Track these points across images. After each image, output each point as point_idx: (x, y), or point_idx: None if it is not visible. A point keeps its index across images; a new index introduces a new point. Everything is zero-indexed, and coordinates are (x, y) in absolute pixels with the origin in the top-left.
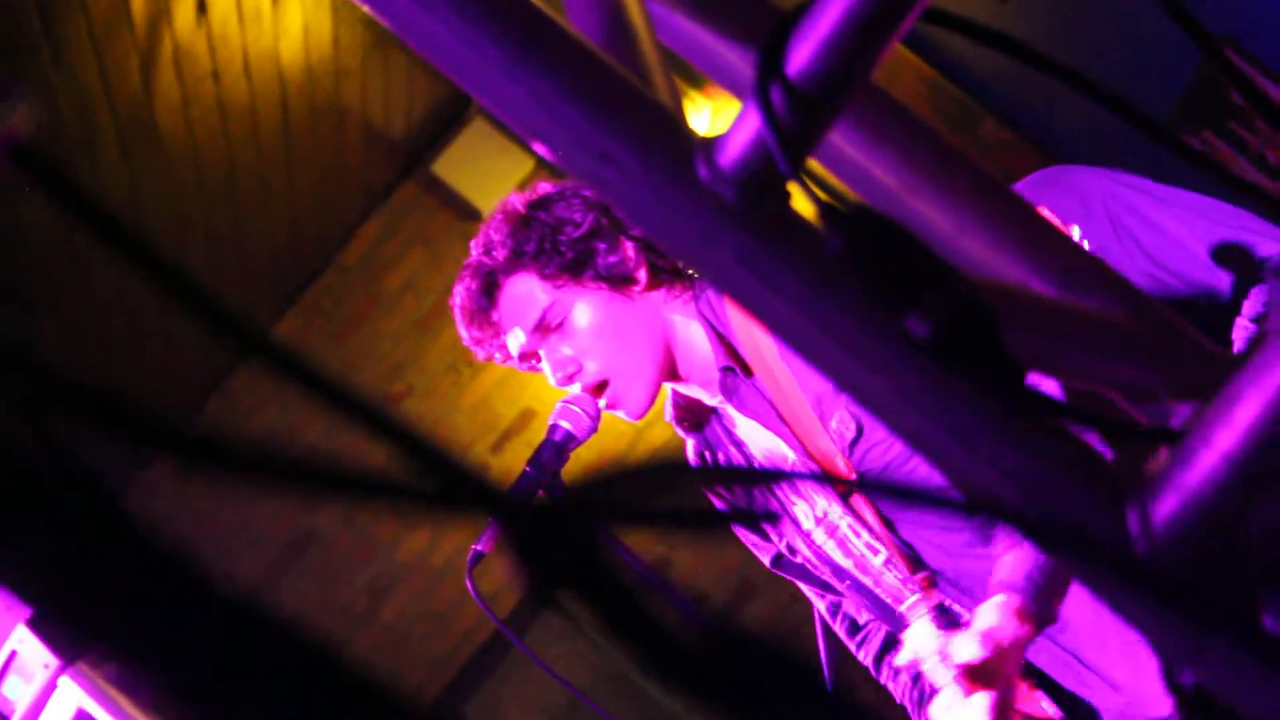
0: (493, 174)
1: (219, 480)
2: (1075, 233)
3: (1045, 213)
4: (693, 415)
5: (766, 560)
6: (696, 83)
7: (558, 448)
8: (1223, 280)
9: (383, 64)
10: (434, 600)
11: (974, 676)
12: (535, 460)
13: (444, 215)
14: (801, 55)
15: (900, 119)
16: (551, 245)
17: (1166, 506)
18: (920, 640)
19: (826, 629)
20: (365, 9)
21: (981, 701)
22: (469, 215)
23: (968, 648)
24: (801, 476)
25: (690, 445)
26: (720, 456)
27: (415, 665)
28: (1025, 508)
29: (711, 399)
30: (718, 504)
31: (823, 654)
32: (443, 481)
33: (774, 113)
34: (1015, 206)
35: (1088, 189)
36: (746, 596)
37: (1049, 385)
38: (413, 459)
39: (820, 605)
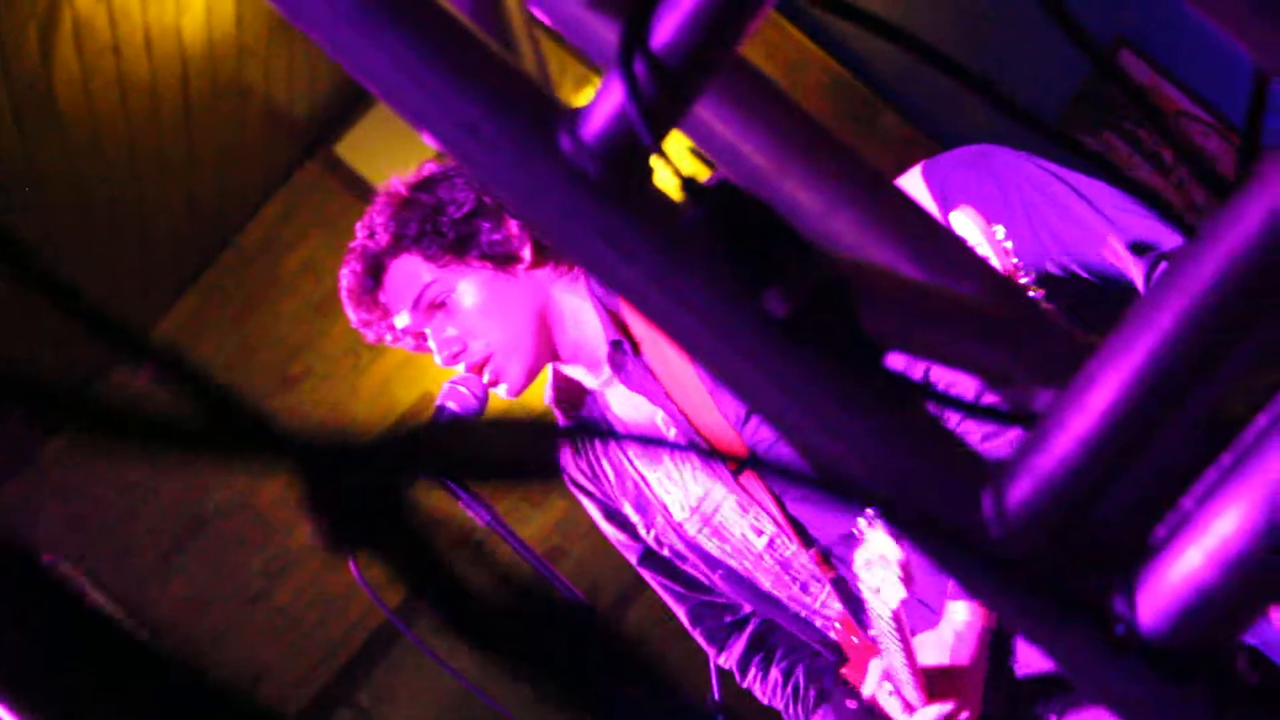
0: (395, 157)
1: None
2: (1000, 232)
3: (969, 213)
4: (571, 397)
5: (633, 558)
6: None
7: None
8: (1133, 271)
9: (287, 43)
10: (328, 585)
11: (936, 684)
12: None
13: (345, 197)
14: (666, 27)
15: (772, 98)
16: (433, 226)
17: (1020, 490)
18: (881, 544)
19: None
20: None
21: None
22: (370, 198)
23: (933, 651)
24: (677, 447)
25: (574, 423)
26: (593, 441)
27: (308, 649)
28: (882, 488)
29: (593, 380)
30: (585, 500)
31: (713, 673)
32: (234, 425)
33: (637, 85)
34: (883, 189)
35: (1004, 174)
36: (641, 586)
37: (915, 369)
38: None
39: (680, 612)
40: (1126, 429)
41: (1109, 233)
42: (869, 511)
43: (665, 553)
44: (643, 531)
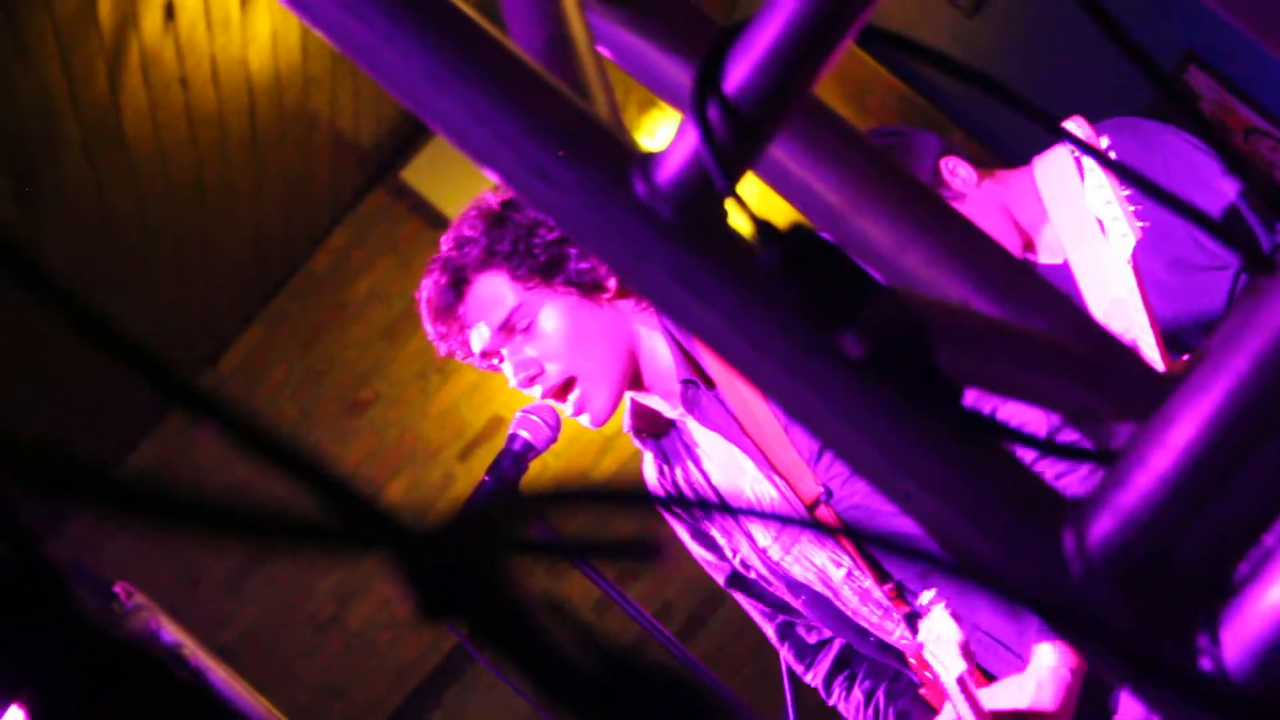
0: (461, 182)
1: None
2: (1103, 143)
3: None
4: (652, 426)
5: (720, 579)
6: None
7: (516, 457)
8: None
9: (352, 71)
10: (398, 608)
11: None
12: (494, 469)
13: (412, 223)
14: (739, 72)
15: (843, 135)
16: (525, 246)
17: (1102, 527)
18: (941, 625)
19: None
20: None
21: None
22: (437, 223)
23: (1013, 695)
24: (751, 513)
25: (649, 458)
26: (679, 470)
27: (381, 672)
28: (963, 527)
29: (671, 411)
30: (673, 521)
31: (788, 693)
32: (344, 517)
33: (711, 130)
34: (955, 223)
35: (1151, 136)
36: (713, 606)
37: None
38: (319, 494)
39: (769, 629)
40: (1208, 466)
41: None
42: (932, 591)
43: (751, 575)
44: (729, 554)
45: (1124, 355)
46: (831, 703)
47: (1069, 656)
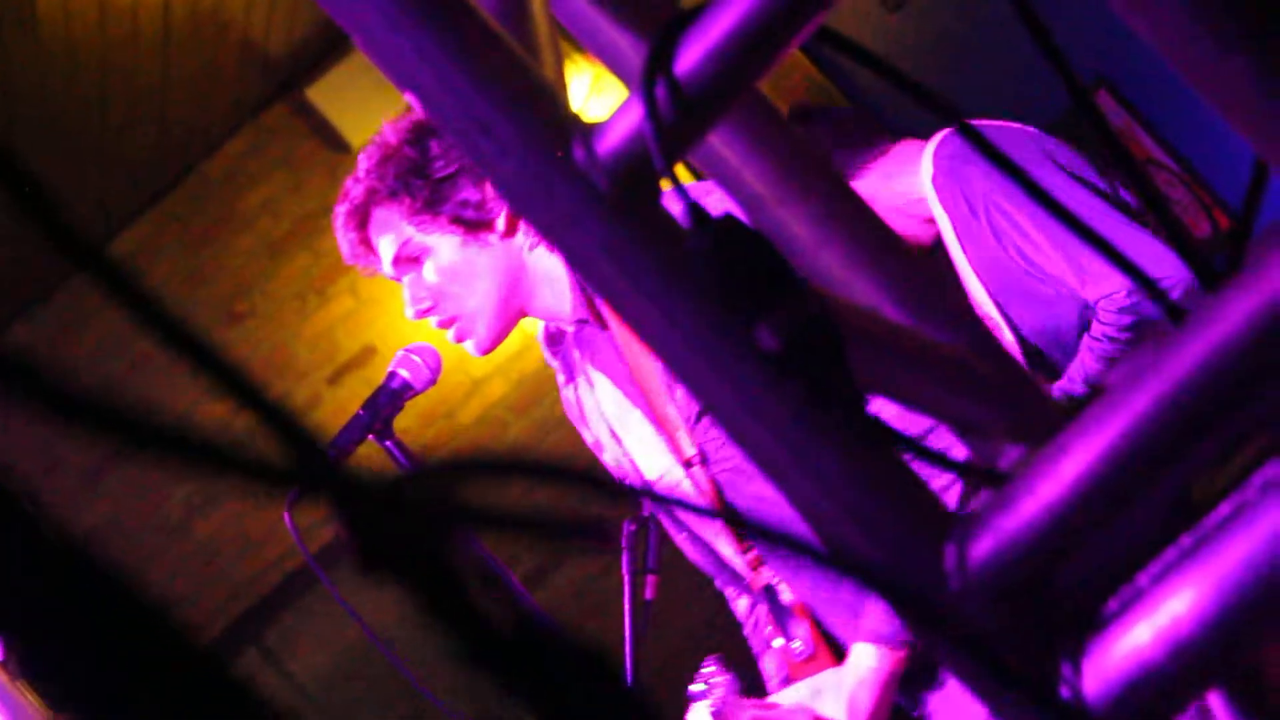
0: (366, 108)
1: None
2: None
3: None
4: (557, 341)
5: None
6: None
7: (393, 395)
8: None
9: None
10: (249, 524)
11: None
12: (370, 404)
13: (311, 142)
14: (691, 56)
15: (776, 126)
16: (408, 184)
17: (983, 547)
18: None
19: (636, 606)
20: None
21: None
22: (336, 146)
23: (832, 694)
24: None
25: (559, 368)
26: (579, 389)
27: (218, 584)
28: (851, 528)
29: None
30: (583, 434)
31: (627, 635)
32: (278, 440)
33: (656, 108)
34: (877, 229)
35: (974, 189)
36: (558, 561)
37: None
38: (249, 410)
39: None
40: (1094, 501)
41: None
42: (710, 673)
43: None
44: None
45: (1022, 380)
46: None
47: (888, 661)
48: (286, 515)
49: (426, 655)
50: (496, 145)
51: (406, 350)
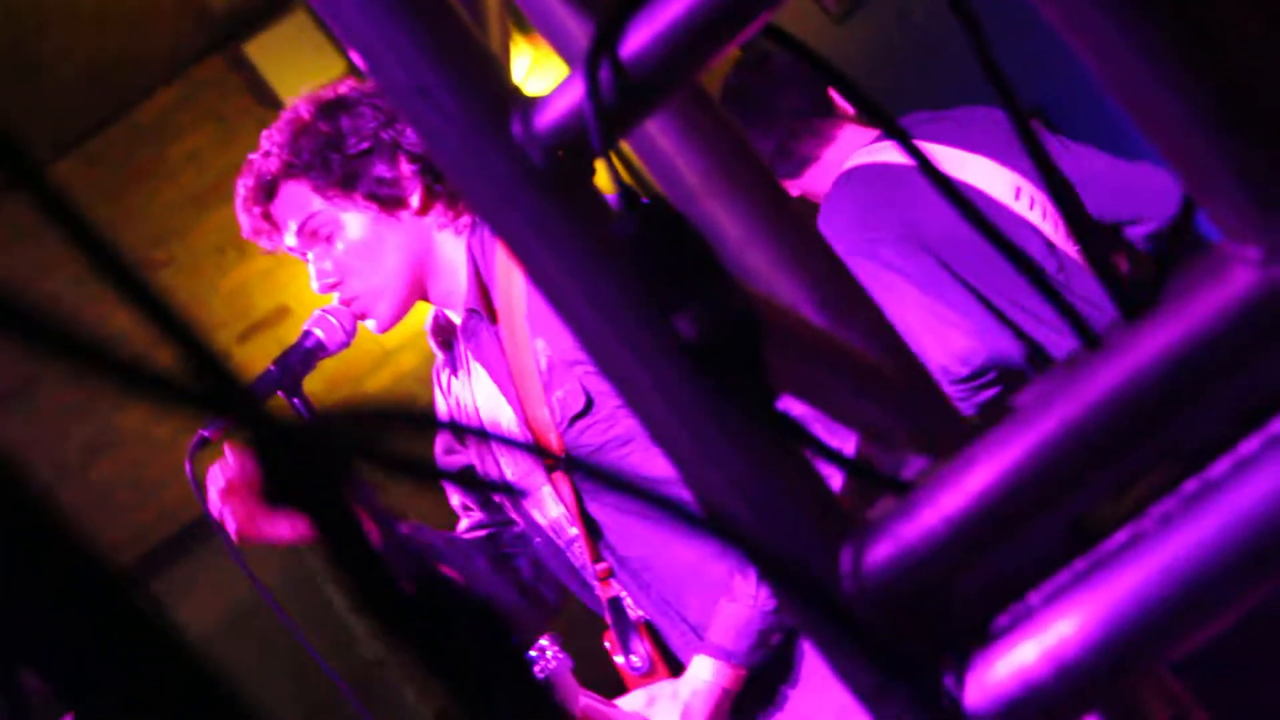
0: (302, 69)
1: None
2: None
3: None
4: (445, 333)
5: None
6: (524, 29)
7: (306, 354)
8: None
9: None
10: (148, 470)
11: None
12: (282, 361)
13: (244, 98)
14: (638, 39)
15: (714, 120)
16: (322, 160)
17: (880, 552)
18: None
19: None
20: None
21: None
22: (268, 103)
23: (667, 704)
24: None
25: (439, 358)
26: (458, 382)
27: (113, 530)
28: (748, 521)
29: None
30: (441, 439)
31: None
32: (194, 369)
33: (598, 88)
34: (803, 231)
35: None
36: None
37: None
38: (164, 336)
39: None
40: (995, 518)
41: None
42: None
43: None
44: (474, 456)
45: (932, 392)
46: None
47: (726, 676)
48: (187, 464)
49: (314, 615)
50: (436, 111)
51: (324, 310)
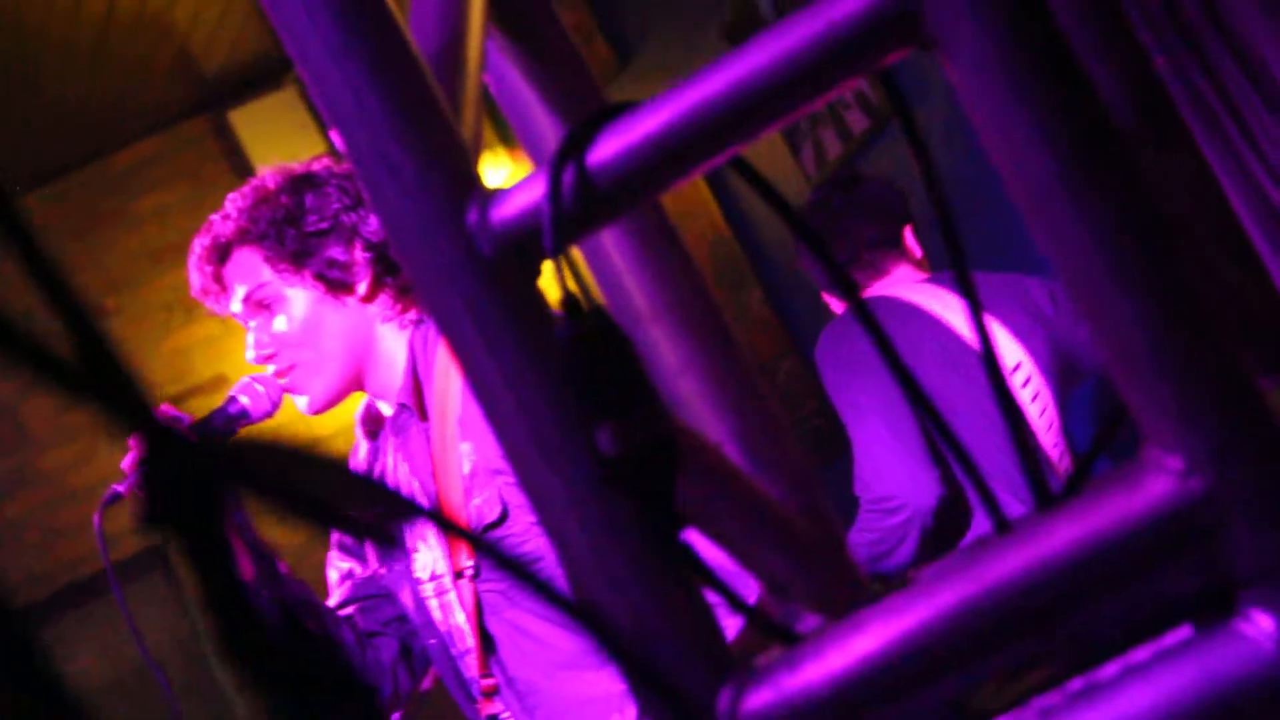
0: (283, 143)
1: None
2: None
3: None
4: (374, 424)
5: (340, 586)
6: (507, 142)
7: (229, 419)
8: None
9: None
10: (57, 516)
11: None
12: (203, 424)
13: (221, 164)
14: (606, 149)
15: (669, 242)
16: (278, 232)
17: (759, 699)
18: None
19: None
20: None
21: None
22: (243, 172)
23: None
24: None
25: (363, 448)
26: (378, 473)
27: (12, 571)
28: (637, 648)
29: (388, 413)
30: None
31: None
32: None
33: (559, 190)
34: (739, 369)
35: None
36: None
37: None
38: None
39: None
40: (876, 683)
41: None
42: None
43: (380, 585)
44: (369, 561)
45: (840, 551)
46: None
47: None
48: (96, 517)
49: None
50: (397, 184)
51: (252, 378)
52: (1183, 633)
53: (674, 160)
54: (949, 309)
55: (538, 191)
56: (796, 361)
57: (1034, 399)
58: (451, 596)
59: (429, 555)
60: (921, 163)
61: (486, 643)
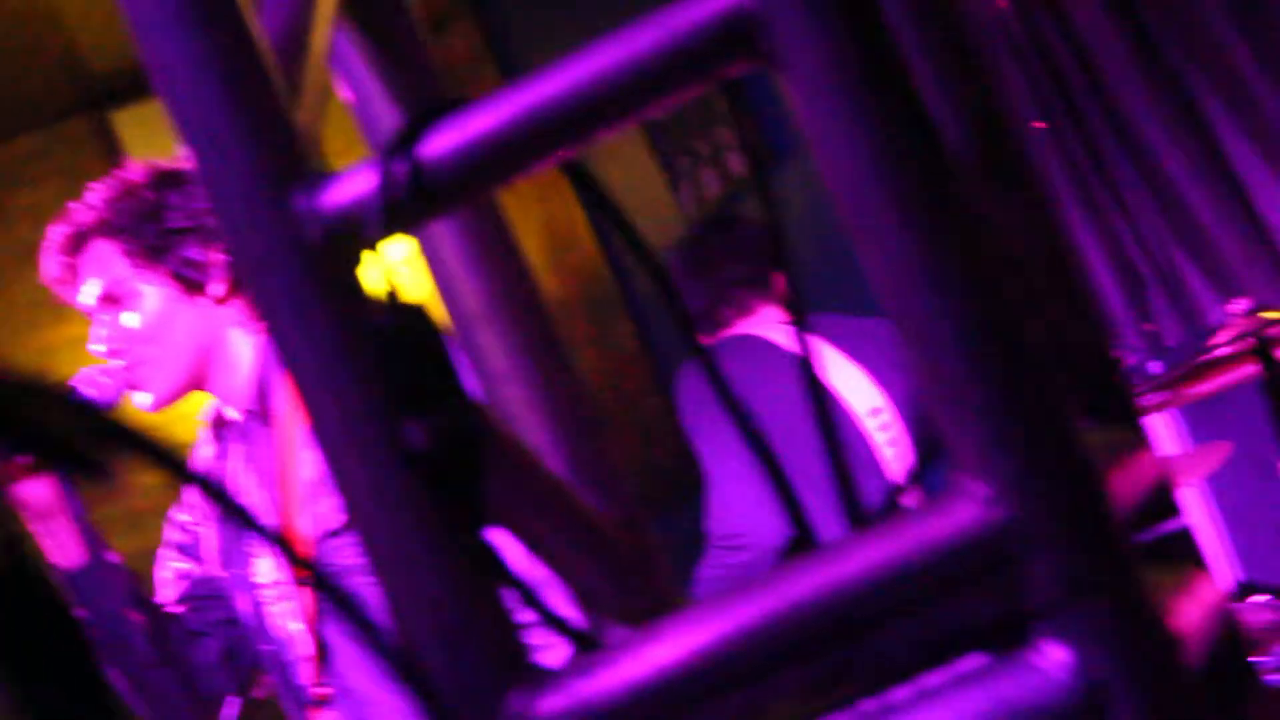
0: (163, 149)
1: None
2: None
3: None
4: (220, 428)
5: (174, 584)
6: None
7: None
8: None
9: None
10: None
11: None
12: None
13: (99, 164)
14: (443, 142)
15: (505, 252)
16: (140, 226)
17: (551, 704)
18: None
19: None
20: None
21: None
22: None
23: None
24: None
25: (209, 450)
26: (218, 479)
27: None
28: (428, 642)
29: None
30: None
31: None
32: None
33: (391, 179)
34: (567, 380)
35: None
36: None
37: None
38: None
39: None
40: (669, 694)
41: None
42: None
43: (215, 587)
44: (214, 561)
45: (655, 565)
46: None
47: None
48: None
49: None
50: (224, 162)
51: (95, 369)
52: (979, 659)
53: (507, 158)
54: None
55: (367, 180)
56: (663, 397)
57: (891, 443)
58: (290, 603)
59: (270, 561)
60: (755, 179)
61: (322, 651)
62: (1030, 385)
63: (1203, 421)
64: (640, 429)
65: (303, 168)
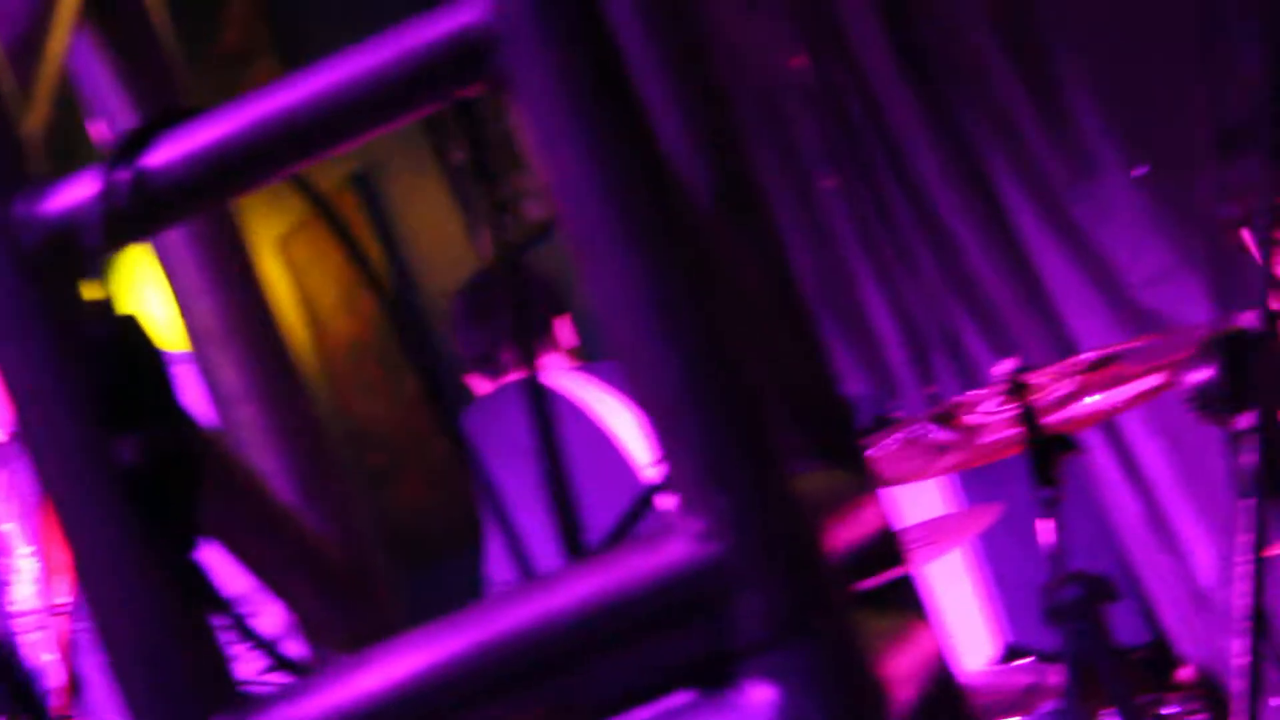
0: None
1: None
2: None
3: None
4: None
5: None
6: None
7: None
8: None
9: None
10: None
11: None
12: None
13: None
14: (166, 153)
15: (243, 273)
16: None
17: None
18: None
19: None
20: None
21: None
22: None
23: None
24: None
25: None
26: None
27: None
28: (128, 661)
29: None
30: None
31: None
32: None
33: (112, 187)
34: (300, 404)
35: None
36: None
37: None
38: None
39: None
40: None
41: None
42: None
43: None
44: None
45: (379, 592)
46: None
47: None
48: None
49: None
50: None
51: None
52: (686, 696)
53: (233, 170)
54: (593, 398)
55: (90, 189)
56: (448, 441)
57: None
58: (44, 633)
59: (26, 589)
60: (489, 202)
61: (74, 683)
62: (748, 422)
63: (975, 483)
64: (428, 472)
65: (20, 176)
